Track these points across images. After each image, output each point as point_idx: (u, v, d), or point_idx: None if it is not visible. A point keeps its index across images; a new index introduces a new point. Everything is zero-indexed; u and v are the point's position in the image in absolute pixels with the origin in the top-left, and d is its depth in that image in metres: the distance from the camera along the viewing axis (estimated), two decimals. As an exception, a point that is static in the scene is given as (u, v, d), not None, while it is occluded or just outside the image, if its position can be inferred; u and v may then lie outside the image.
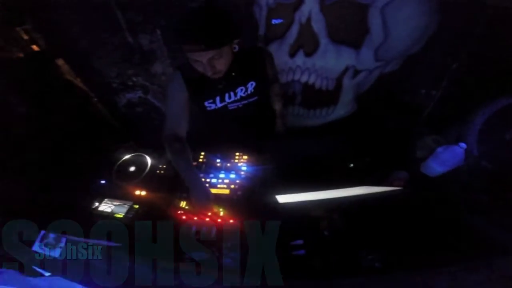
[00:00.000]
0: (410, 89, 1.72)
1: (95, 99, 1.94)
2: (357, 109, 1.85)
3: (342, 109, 1.85)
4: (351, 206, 1.00)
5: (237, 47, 0.99)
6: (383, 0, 1.37)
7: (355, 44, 1.58)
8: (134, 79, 1.77)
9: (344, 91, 1.75)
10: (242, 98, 1.18)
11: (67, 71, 1.78)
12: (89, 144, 1.66)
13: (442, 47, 1.54)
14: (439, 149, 1.52)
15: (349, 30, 1.55)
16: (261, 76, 1.19)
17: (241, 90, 1.16)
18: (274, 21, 1.57)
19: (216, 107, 1.18)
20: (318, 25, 1.53)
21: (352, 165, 1.17)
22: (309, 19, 1.52)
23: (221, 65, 0.96)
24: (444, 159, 1.51)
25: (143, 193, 1.22)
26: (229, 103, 1.17)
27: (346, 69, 1.65)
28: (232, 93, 1.15)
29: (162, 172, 1.30)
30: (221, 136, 1.42)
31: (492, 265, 0.83)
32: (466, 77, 1.64)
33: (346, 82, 1.71)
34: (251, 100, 1.19)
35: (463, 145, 1.47)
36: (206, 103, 1.16)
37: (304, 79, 1.71)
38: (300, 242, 0.94)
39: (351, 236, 0.99)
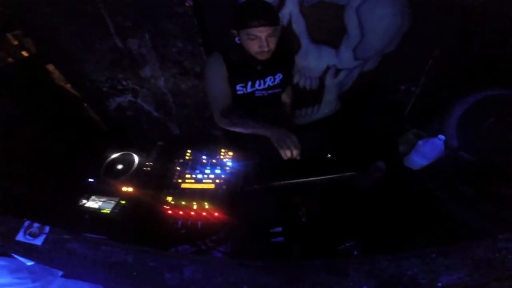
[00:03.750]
0: (390, 87, 1.80)
1: (85, 104, 1.98)
2: (341, 108, 1.91)
3: (326, 107, 1.91)
4: (328, 192, 1.04)
5: (279, 34, 1.15)
6: (358, 0, 1.45)
7: (334, 44, 1.65)
8: (124, 83, 1.82)
9: (327, 90, 1.82)
10: (269, 88, 1.30)
11: (57, 77, 1.82)
12: (79, 147, 1.69)
13: (417, 44, 1.62)
14: (420, 143, 1.57)
15: (328, 31, 1.62)
16: (288, 71, 1.35)
17: (270, 79, 1.29)
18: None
19: (245, 92, 1.28)
20: (299, 27, 1.61)
21: (329, 155, 1.22)
22: (290, 21, 1.60)
23: (273, 43, 1.12)
24: (425, 152, 1.56)
25: (130, 189, 1.25)
26: (257, 90, 1.29)
27: (328, 68, 1.72)
28: (262, 81, 1.28)
29: (148, 169, 1.33)
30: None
31: (465, 249, 0.84)
32: (443, 73, 1.72)
33: (329, 81, 1.77)
34: (275, 91, 1.33)
35: (441, 137, 1.52)
36: (238, 87, 1.26)
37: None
38: (278, 229, 0.97)
39: (329, 223, 1.02)
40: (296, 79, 1.77)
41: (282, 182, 0.97)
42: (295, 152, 0.96)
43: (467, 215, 1.36)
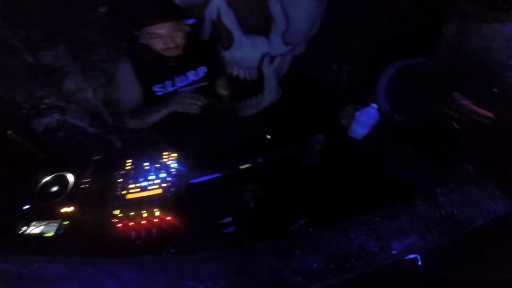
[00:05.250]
0: (323, 67, 1.90)
1: (9, 131, 1.73)
2: (282, 94, 1.97)
3: (269, 95, 1.95)
4: (272, 174, 1.05)
5: (188, 28, 1.13)
6: (278, -13, 1.50)
7: (265, 32, 1.69)
8: (46, 101, 1.62)
9: (266, 78, 1.85)
10: (194, 82, 1.25)
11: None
12: (6, 177, 1.49)
13: (340, 25, 1.74)
14: (357, 113, 1.70)
15: (257, 20, 1.65)
16: (213, 62, 1.31)
17: (192, 74, 1.24)
18: (187, 22, 1.60)
19: (166, 92, 1.21)
20: (229, 19, 1.60)
21: (269, 136, 1.24)
22: (219, 15, 1.58)
23: (180, 38, 1.08)
24: (363, 121, 1.69)
25: (71, 209, 1.17)
26: (180, 87, 1.24)
27: (263, 56, 1.75)
28: (183, 77, 1.23)
29: (87, 185, 1.23)
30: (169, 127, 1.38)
31: (407, 209, 0.80)
32: (369, 48, 1.87)
33: (266, 69, 1.81)
34: (202, 84, 1.28)
35: (374, 105, 1.66)
36: (155, 88, 1.19)
37: (228, 72, 1.76)
38: (228, 219, 0.96)
39: (277, 205, 1.03)
40: (235, 71, 1.77)
41: (223, 171, 0.96)
42: (199, 103, 1.01)
43: (408, 176, 1.47)
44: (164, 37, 1.02)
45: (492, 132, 1.39)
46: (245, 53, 1.71)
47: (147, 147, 1.41)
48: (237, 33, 1.65)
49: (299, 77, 1.90)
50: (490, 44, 1.26)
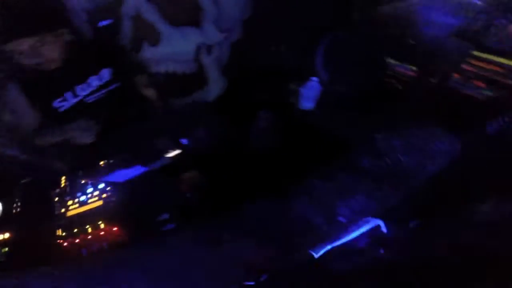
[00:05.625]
0: (261, 50, 1.90)
1: None
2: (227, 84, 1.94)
3: (215, 87, 1.90)
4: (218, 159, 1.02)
5: (68, 36, 0.98)
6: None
7: (195, 22, 1.64)
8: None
9: (207, 69, 1.80)
10: (101, 87, 1.13)
11: None
12: None
13: (270, 6, 1.75)
14: (300, 89, 1.75)
15: (185, 11, 1.60)
16: (118, 62, 1.20)
17: (95, 79, 1.11)
18: (101, 23, 1.49)
19: (72, 104, 1.09)
20: (151, 14, 1.53)
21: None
22: (138, 11, 1.50)
23: (53, 52, 0.91)
24: (307, 95, 1.74)
25: (6, 235, 1.09)
26: (86, 95, 1.11)
27: (198, 47, 1.70)
28: (85, 85, 1.09)
29: (18, 209, 1.14)
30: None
31: (350, 163, 0.70)
32: (302, 26, 1.91)
33: (205, 60, 1.76)
34: (113, 87, 1.16)
35: (314, 78, 1.72)
36: (56, 104, 1.07)
37: (162, 69, 1.69)
38: (165, 216, 0.91)
39: (221, 191, 0.97)
40: (170, 67, 1.69)
41: (151, 164, 0.92)
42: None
43: (356, 138, 1.53)
44: (29, 53, 0.86)
45: (425, 86, 1.50)
46: (176, 47, 1.65)
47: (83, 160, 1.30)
48: (163, 27, 1.57)
49: (240, 63, 1.88)
50: (397, 8, 1.35)
